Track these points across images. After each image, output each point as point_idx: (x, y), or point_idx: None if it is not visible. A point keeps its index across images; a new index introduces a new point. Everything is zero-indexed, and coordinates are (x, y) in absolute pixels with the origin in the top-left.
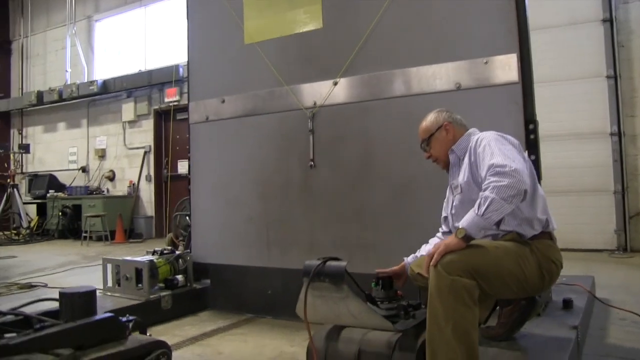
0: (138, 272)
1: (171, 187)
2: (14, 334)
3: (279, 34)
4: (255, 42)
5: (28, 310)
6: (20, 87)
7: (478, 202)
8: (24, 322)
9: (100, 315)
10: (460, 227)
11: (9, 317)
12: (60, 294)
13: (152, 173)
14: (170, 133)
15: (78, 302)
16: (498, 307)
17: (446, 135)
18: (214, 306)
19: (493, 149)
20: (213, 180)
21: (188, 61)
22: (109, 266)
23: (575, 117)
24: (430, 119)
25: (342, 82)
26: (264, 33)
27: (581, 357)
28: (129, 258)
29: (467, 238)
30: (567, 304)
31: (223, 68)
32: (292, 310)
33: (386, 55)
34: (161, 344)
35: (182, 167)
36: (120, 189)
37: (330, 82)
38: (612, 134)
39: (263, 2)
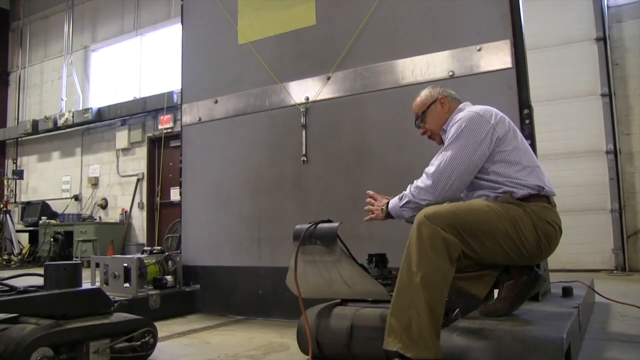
0: (126, 271)
1: (163, 215)
2: None
3: (273, 32)
4: (249, 41)
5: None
6: (17, 117)
7: (403, 193)
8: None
9: (86, 286)
10: (388, 203)
11: None
12: (46, 265)
13: (144, 200)
14: (162, 160)
15: (63, 273)
16: (498, 290)
17: (441, 109)
18: (203, 310)
19: (451, 142)
20: (204, 181)
21: (182, 64)
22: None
23: (570, 135)
24: (424, 94)
25: (336, 76)
26: (257, 32)
27: (582, 340)
28: (118, 256)
29: (387, 215)
30: (567, 292)
31: (216, 69)
32: (284, 309)
33: (379, 48)
34: (147, 323)
35: (175, 194)
36: (112, 216)
37: (323, 77)
38: (608, 152)
39: (258, 2)
